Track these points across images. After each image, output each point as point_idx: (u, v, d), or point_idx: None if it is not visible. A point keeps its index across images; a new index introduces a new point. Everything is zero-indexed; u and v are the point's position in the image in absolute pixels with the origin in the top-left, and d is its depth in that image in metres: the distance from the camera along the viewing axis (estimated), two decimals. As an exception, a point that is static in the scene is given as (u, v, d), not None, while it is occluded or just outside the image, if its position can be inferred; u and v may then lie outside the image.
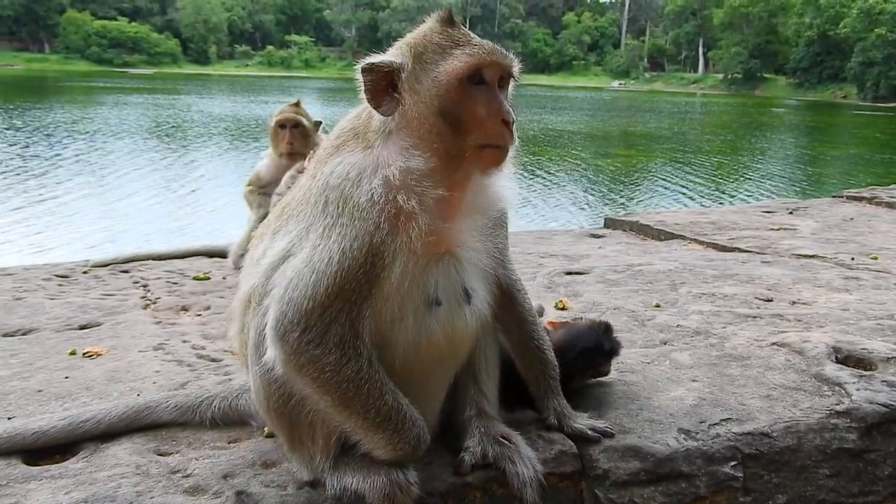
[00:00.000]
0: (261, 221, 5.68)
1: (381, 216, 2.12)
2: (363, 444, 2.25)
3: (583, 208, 21.24)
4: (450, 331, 2.30)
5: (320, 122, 5.98)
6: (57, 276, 5.47)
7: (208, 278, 5.43)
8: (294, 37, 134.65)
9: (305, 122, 5.81)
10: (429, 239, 2.15)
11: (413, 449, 2.25)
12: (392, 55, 2.25)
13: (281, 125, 5.72)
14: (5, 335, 4.04)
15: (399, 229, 2.13)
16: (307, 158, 5.72)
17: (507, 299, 2.60)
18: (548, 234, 7.54)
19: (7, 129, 32.67)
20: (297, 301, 2.11)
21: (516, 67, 2.29)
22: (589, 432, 2.60)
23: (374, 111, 2.23)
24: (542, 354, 2.67)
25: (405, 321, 2.23)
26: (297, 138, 5.71)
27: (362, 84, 2.20)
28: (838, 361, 3.33)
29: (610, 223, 7.82)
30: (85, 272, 5.57)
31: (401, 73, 2.19)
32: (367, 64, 2.20)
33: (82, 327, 4.16)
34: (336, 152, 2.30)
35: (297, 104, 5.89)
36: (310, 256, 2.15)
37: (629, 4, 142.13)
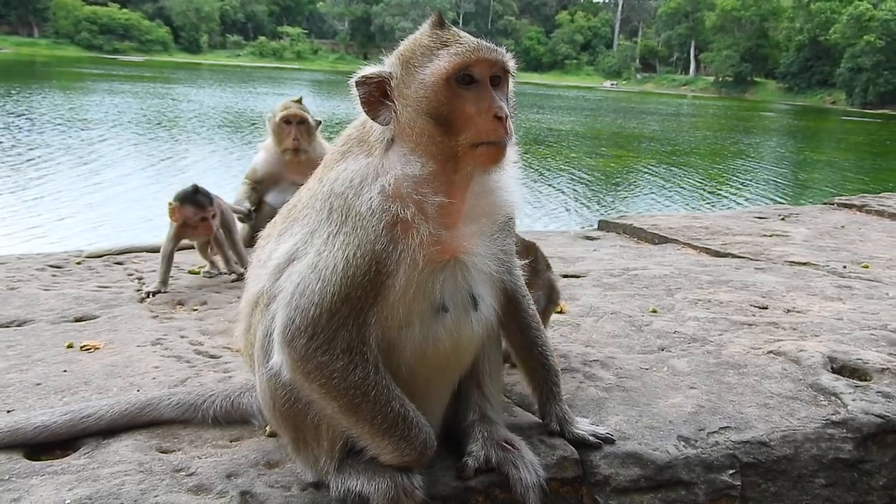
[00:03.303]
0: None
1: (381, 225, 2.12)
2: (370, 449, 2.25)
3: (572, 209, 21.27)
4: (456, 337, 2.31)
5: (320, 122, 5.97)
6: (50, 266, 5.44)
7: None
8: (286, 28, 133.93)
9: (310, 118, 5.80)
10: (433, 248, 2.16)
11: (420, 454, 2.25)
12: (385, 64, 2.27)
13: (286, 121, 5.70)
14: (0, 326, 4.02)
15: (399, 238, 2.13)
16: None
17: (512, 305, 2.61)
18: (542, 235, 7.57)
19: (10, 115, 32.38)
20: (304, 307, 2.11)
21: (509, 62, 2.24)
22: (590, 438, 2.62)
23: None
24: (545, 360, 2.68)
25: (412, 328, 2.24)
26: (302, 135, 5.70)
27: (357, 97, 2.22)
28: (834, 371, 3.36)
29: (604, 225, 7.86)
30: (79, 263, 5.55)
31: (391, 81, 2.21)
32: (360, 77, 2.22)
33: (78, 319, 4.15)
34: (342, 158, 2.31)
35: (300, 100, 5.88)
36: (315, 262, 2.15)
37: (622, 5, 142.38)
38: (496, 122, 2.15)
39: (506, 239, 2.51)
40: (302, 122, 5.72)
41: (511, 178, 2.40)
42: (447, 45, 2.19)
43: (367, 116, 2.28)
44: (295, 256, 2.23)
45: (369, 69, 2.24)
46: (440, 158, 2.18)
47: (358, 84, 2.21)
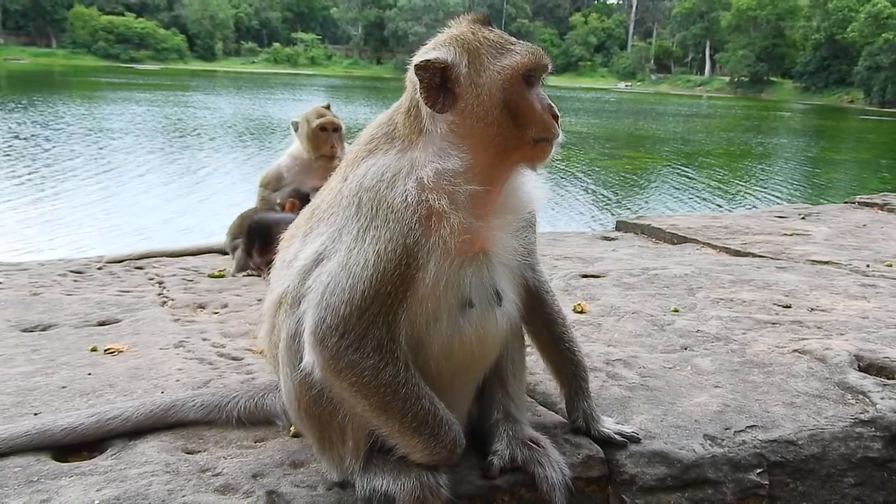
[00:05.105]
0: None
1: (415, 217, 2.12)
2: (399, 448, 2.25)
3: (589, 210, 21.21)
4: (481, 333, 2.30)
5: None
6: (72, 271, 5.50)
7: (223, 276, 5.45)
8: (300, 34, 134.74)
9: (343, 126, 5.85)
10: (463, 237, 2.15)
11: (449, 453, 2.25)
12: (440, 52, 2.19)
13: (323, 128, 5.74)
14: (24, 330, 4.06)
15: (432, 229, 2.13)
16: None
17: (536, 301, 2.61)
18: (560, 235, 7.54)
19: (26, 124, 32.75)
20: (334, 306, 2.11)
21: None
22: (616, 437, 2.61)
23: (411, 111, 2.22)
24: (572, 356, 2.68)
25: (439, 323, 2.23)
26: (337, 142, 5.75)
27: (418, 81, 2.16)
28: (861, 370, 3.32)
29: (622, 226, 7.83)
30: (99, 268, 5.60)
31: (456, 69, 2.16)
32: (423, 60, 2.15)
33: (101, 324, 4.18)
34: (369, 155, 2.29)
35: (328, 107, 5.90)
36: (345, 260, 2.14)
37: (636, 6, 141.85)
38: (554, 120, 2.23)
39: (528, 235, 2.50)
40: (337, 129, 5.77)
41: (538, 175, 2.40)
42: (513, 44, 2.23)
43: (397, 109, 2.29)
44: (323, 256, 2.22)
45: (432, 53, 2.18)
46: (494, 151, 2.19)
47: (420, 68, 2.15)
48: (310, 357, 2.16)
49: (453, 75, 2.16)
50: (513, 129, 2.18)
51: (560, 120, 2.25)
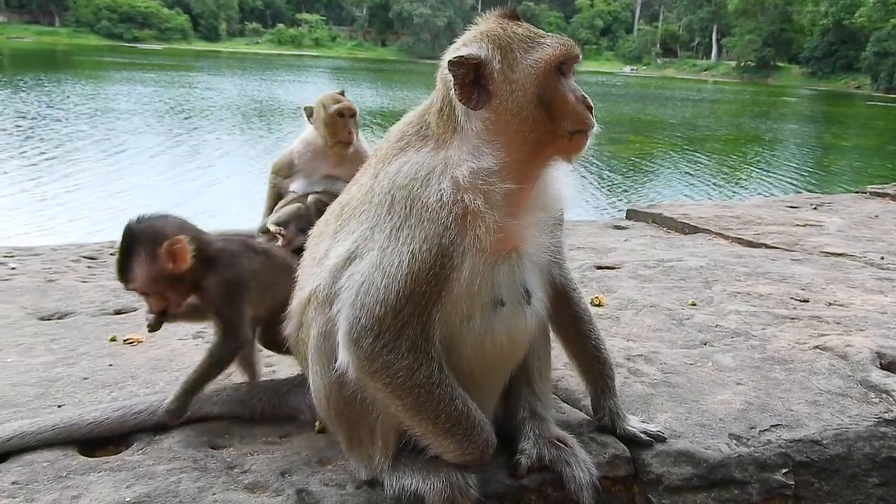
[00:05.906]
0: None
1: (450, 217, 2.10)
2: (431, 448, 2.25)
3: (597, 198, 21.13)
4: (512, 332, 2.29)
5: None
6: (85, 257, 5.50)
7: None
8: (305, 15, 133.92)
9: (357, 110, 5.81)
10: (498, 236, 2.14)
11: (481, 453, 2.25)
12: (472, 48, 2.17)
13: (340, 114, 5.71)
14: (42, 318, 4.06)
15: (467, 229, 2.11)
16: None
17: (563, 299, 2.60)
18: (571, 224, 7.51)
19: (32, 104, 32.65)
20: (369, 306, 2.10)
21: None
22: (642, 436, 2.60)
23: (446, 108, 2.20)
24: (599, 354, 2.68)
25: (472, 323, 2.22)
26: (353, 127, 5.72)
27: (451, 78, 2.13)
28: (883, 367, 3.31)
29: (632, 214, 7.81)
30: (112, 254, 5.58)
31: (488, 65, 2.14)
32: (456, 57, 2.13)
33: (118, 312, 4.18)
34: (400, 152, 2.26)
35: (342, 93, 5.86)
36: (379, 260, 2.13)
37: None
38: (589, 111, 2.21)
39: (556, 232, 2.49)
40: (353, 115, 5.74)
41: (565, 170, 2.38)
42: (544, 36, 2.21)
43: (429, 105, 2.27)
44: (356, 255, 2.21)
45: (465, 49, 2.16)
46: (530, 146, 2.17)
47: (454, 64, 2.12)
48: (344, 357, 2.15)
49: (486, 71, 2.14)
50: (548, 123, 2.16)
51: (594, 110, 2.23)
